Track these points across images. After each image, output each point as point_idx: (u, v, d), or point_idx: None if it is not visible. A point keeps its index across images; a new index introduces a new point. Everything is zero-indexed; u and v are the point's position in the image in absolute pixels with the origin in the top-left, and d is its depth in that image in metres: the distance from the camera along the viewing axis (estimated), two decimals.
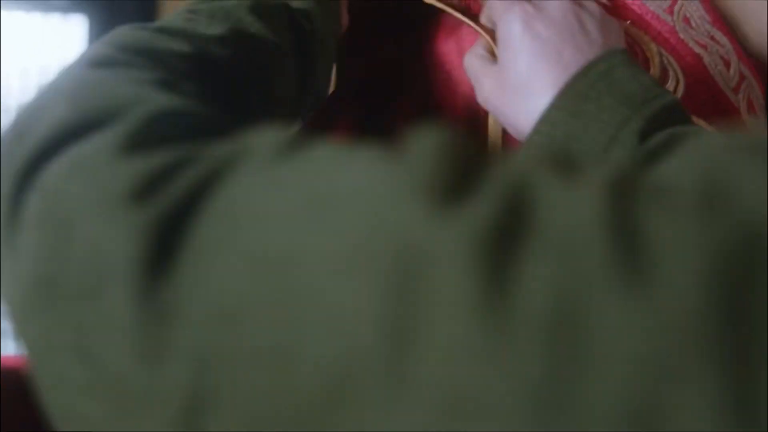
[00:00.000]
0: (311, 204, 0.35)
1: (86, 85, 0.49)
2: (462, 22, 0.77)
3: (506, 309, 0.30)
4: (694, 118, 0.79)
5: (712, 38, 0.85)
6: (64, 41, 2.28)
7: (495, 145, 0.77)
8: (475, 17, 0.75)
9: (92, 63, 0.51)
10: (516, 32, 0.69)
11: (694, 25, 0.85)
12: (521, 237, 0.31)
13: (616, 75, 0.66)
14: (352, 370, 0.31)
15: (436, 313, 0.31)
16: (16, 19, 2.29)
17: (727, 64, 0.85)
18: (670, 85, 0.82)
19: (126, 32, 0.57)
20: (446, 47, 0.80)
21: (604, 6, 0.80)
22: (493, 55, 0.73)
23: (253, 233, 0.36)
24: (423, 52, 0.79)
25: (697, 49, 0.84)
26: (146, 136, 0.42)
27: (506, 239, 0.31)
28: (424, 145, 0.36)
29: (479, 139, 0.76)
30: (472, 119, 0.79)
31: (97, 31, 2.26)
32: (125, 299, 0.37)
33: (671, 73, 0.82)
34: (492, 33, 0.74)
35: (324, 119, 0.83)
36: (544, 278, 0.30)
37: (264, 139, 0.40)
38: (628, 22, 0.84)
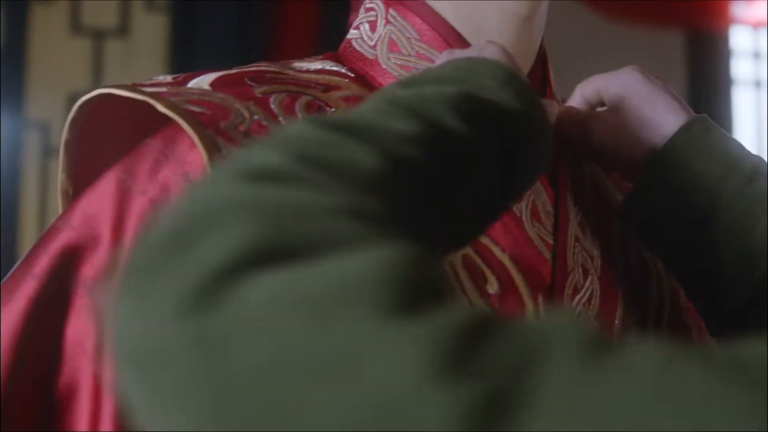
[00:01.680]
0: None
1: (272, 204, 0.46)
2: None
3: None
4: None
5: None
6: None
7: None
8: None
9: (262, 175, 0.48)
10: (639, 78, 0.79)
11: None
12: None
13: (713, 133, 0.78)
14: None
15: None
16: None
17: None
18: None
19: (306, 133, 0.53)
20: None
21: None
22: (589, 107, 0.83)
23: None
24: None
25: None
26: (408, 293, 0.41)
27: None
28: None
29: None
30: None
31: None
32: None
33: None
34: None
35: None
36: None
37: (568, 334, 0.40)
38: None
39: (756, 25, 3.32)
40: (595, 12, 3.07)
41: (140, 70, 2.77)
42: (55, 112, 2.75)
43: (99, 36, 2.84)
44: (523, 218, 0.79)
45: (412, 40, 0.82)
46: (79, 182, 0.78)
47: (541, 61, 0.86)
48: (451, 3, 0.82)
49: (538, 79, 0.85)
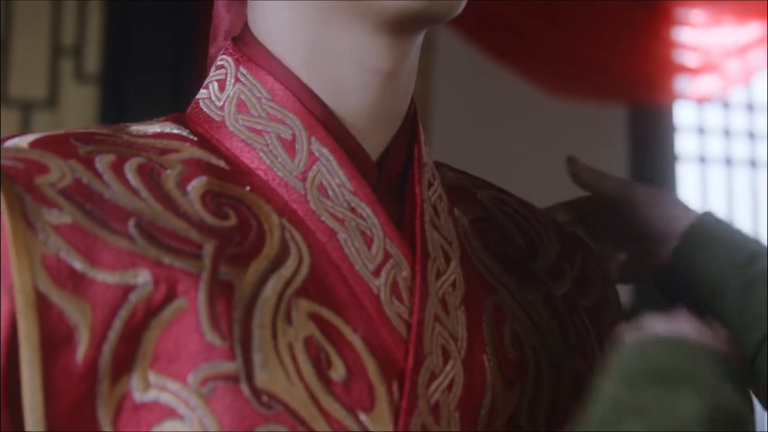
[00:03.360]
0: None
1: None
2: None
3: None
4: (317, 306, 0.70)
5: (353, 210, 0.74)
6: None
7: None
8: None
9: None
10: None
11: (331, 194, 0.74)
12: None
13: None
14: None
15: None
16: None
17: (369, 242, 0.73)
18: (290, 265, 0.71)
19: None
20: None
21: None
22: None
23: None
24: None
25: (331, 223, 0.73)
26: None
27: None
28: None
29: None
30: None
31: None
32: None
33: (293, 250, 0.72)
34: None
35: None
36: None
37: None
38: (248, 188, 0.74)
39: (700, 100, 3.29)
40: (536, 86, 3.03)
41: None
42: None
43: (27, 107, 2.77)
44: (381, 296, 0.72)
45: (263, 100, 0.76)
46: None
47: (410, 123, 0.80)
48: (306, 59, 0.76)
49: (406, 144, 0.79)
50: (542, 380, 0.78)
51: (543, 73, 3.04)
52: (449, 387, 0.72)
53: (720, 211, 3.24)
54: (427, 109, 2.83)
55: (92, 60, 2.81)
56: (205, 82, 0.80)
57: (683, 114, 3.35)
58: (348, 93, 0.75)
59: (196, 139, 0.76)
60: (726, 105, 3.41)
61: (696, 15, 3.17)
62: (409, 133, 0.79)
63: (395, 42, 0.74)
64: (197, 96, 0.79)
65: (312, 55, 0.75)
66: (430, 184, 0.80)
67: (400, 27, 0.74)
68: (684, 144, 3.34)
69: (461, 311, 0.76)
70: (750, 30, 3.18)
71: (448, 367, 0.73)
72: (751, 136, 3.44)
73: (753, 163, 3.41)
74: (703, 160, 3.37)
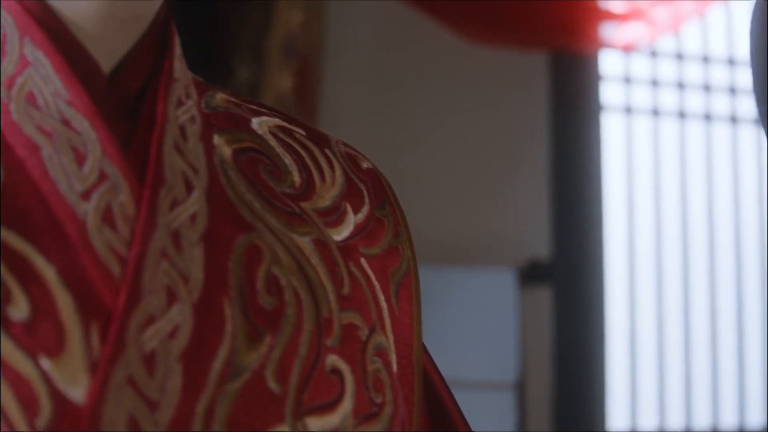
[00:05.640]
0: None
1: None
2: None
3: None
4: (3, 231, 0.60)
5: (66, 123, 0.64)
6: None
7: None
8: None
9: None
10: None
11: (41, 104, 0.64)
12: None
13: None
14: None
15: None
16: None
17: (82, 159, 0.63)
18: None
19: None
20: None
21: None
22: None
23: None
24: None
25: (36, 137, 0.63)
26: None
27: None
28: None
29: None
30: None
31: None
32: None
33: None
34: None
35: None
36: None
37: None
38: None
39: (627, 49, 3.17)
40: (454, 34, 2.90)
41: None
42: None
43: None
44: (88, 222, 0.62)
45: None
46: None
47: (160, 32, 0.70)
48: None
49: (152, 55, 0.69)
50: (302, 333, 0.68)
51: (459, 17, 2.91)
52: (172, 334, 0.62)
53: (647, 163, 3.20)
54: (318, 55, 2.67)
55: None
56: None
57: (608, 63, 3.26)
58: None
59: None
60: (653, 54, 3.31)
61: None
62: (157, 43, 0.70)
63: None
64: None
65: None
66: (181, 103, 0.70)
67: None
68: (609, 94, 3.24)
69: (199, 248, 0.66)
70: None
71: (173, 312, 0.62)
72: (732, 91, 3.36)
73: (733, 120, 3.34)
74: (628, 110, 3.27)
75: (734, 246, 3.38)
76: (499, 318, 2.96)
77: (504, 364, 2.95)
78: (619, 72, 3.28)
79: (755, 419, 3.35)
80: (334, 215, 0.75)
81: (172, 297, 0.62)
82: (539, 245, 3.07)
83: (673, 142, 3.32)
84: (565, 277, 3.08)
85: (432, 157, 2.95)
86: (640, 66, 3.31)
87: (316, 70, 2.60)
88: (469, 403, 2.98)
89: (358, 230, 0.76)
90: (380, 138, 2.87)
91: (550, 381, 3.07)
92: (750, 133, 3.41)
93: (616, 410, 3.19)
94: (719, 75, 3.41)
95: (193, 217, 0.66)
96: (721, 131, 3.39)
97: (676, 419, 3.28)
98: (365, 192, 0.78)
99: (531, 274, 3.03)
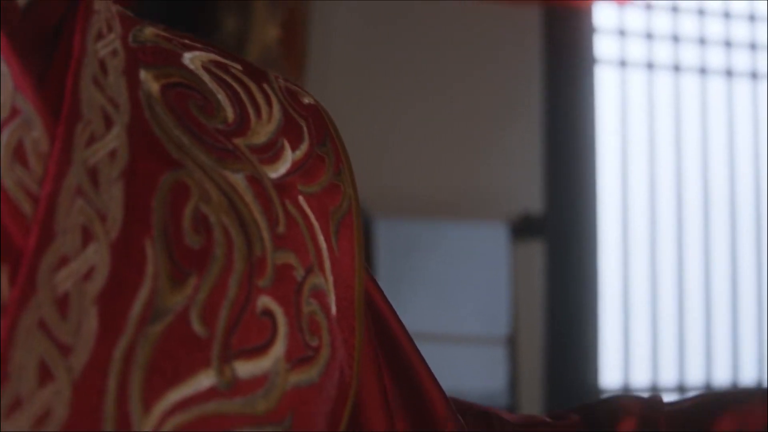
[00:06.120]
0: None
1: None
2: None
3: None
4: None
5: None
6: None
7: None
8: None
9: None
10: None
11: None
12: None
13: None
14: None
15: None
16: None
17: None
18: None
19: None
20: None
21: None
22: None
23: None
24: None
25: None
26: None
27: None
28: None
29: None
30: None
31: None
32: None
33: None
34: None
35: None
36: None
37: None
38: None
39: (621, 2, 3.14)
40: None
41: None
42: None
43: None
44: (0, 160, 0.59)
45: None
46: None
47: None
48: None
49: None
50: (232, 273, 0.65)
51: None
52: (87, 275, 0.59)
53: (641, 117, 3.17)
54: (305, 6, 2.64)
55: None
56: None
57: (602, 15, 3.22)
58: None
59: None
60: (648, 6, 3.28)
61: None
62: None
63: None
64: None
65: None
66: (101, 36, 0.67)
67: None
68: (603, 47, 3.21)
69: (119, 186, 0.63)
70: None
71: (88, 252, 0.59)
72: (753, 47, 3.33)
73: (729, 73, 3.32)
74: (623, 64, 3.24)
75: (729, 200, 3.36)
76: (491, 272, 2.94)
77: (496, 318, 2.94)
78: (613, 25, 3.24)
79: (748, 376, 3.34)
80: (269, 152, 0.72)
81: (87, 236, 0.60)
82: (532, 199, 3.05)
83: (667, 96, 3.29)
84: (557, 232, 3.06)
85: (423, 110, 2.93)
86: (635, 19, 3.27)
87: (304, 22, 2.57)
88: (460, 358, 2.97)
89: (296, 167, 0.73)
90: (369, 91, 2.85)
91: (542, 336, 3.06)
92: (745, 87, 3.38)
93: (609, 365, 3.18)
94: (715, 28, 3.38)
95: (112, 154, 0.63)
96: (717, 85, 3.36)
97: (668, 375, 3.27)
98: (305, 128, 0.75)
99: (523, 228, 3.01)
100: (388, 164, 2.84)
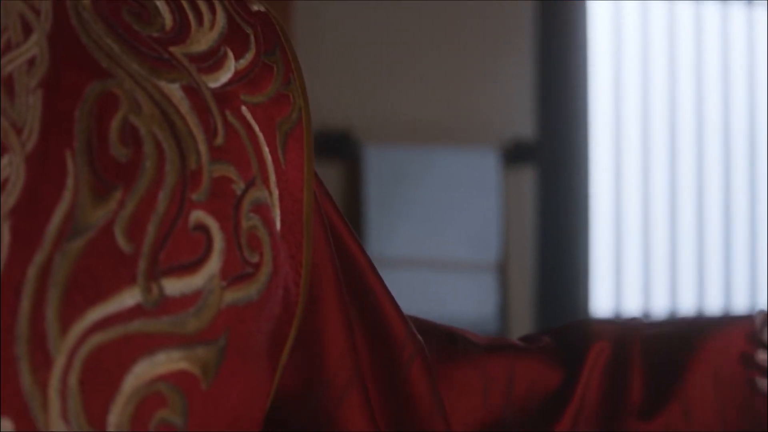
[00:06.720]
0: None
1: None
2: None
3: None
4: None
5: None
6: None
7: None
8: None
9: None
10: None
11: None
12: None
13: None
14: None
15: None
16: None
17: None
18: None
19: None
20: None
21: None
22: None
23: None
24: None
25: None
26: None
27: None
28: None
29: None
30: None
31: None
32: None
33: None
34: None
35: None
36: None
37: None
38: None
39: None
40: None
41: None
42: None
43: None
44: None
45: None
46: None
47: None
48: None
49: None
50: (162, 187, 0.62)
51: None
52: (2, 186, 0.58)
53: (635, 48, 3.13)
54: None
55: None
56: None
57: None
58: None
59: None
60: None
61: None
62: None
63: None
64: None
65: None
66: None
67: None
68: None
69: (37, 96, 0.60)
70: None
71: (2, 164, 0.58)
72: None
73: None
74: None
75: (722, 124, 3.34)
76: (482, 198, 2.94)
77: (486, 244, 2.94)
78: None
79: (740, 302, 3.35)
80: (210, 60, 0.69)
81: (2, 148, 0.58)
82: (523, 125, 3.04)
83: (661, 22, 3.26)
84: (548, 158, 3.05)
85: (416, 37, 2.90)
86: None
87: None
88: (451, 283, 2.96)
89: (240, 76, 0.69)
90: (363, 19, 2.82)
91: (533, 261, 3.06)
92: (740, 12, 3.35)
93: (600, 292, 3.19)
94: None
95: (30, 62, 0.61)
96: (711, 11, 3.33)
97: (660, 301, 3.28)
98: (252, 36, 0.71)
99: (514, 154, 3.00)
100: (379, 90, 2.82)
